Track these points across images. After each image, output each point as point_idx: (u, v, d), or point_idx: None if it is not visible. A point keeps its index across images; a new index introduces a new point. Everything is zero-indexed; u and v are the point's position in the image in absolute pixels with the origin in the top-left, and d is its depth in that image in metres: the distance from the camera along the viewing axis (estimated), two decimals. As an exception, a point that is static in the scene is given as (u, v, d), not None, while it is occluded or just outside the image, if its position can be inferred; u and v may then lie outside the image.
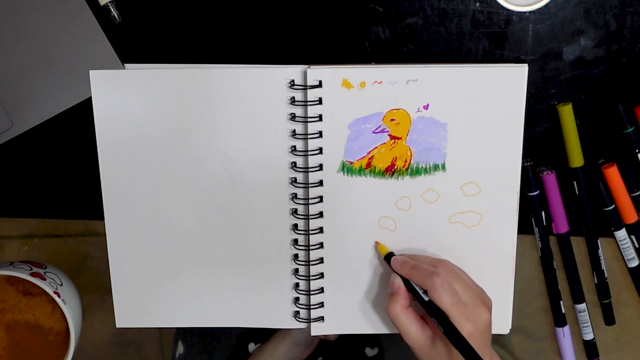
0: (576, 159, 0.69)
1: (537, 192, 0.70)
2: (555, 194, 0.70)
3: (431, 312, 0.61)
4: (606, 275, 0.72)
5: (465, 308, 0.61)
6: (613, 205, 0.70)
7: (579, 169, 0.69)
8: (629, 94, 0.68)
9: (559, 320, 0.73)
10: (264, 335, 0.76)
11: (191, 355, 0.77)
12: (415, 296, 0.63)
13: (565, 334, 0.74)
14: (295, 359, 0.75)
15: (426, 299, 0.62)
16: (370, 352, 0.77)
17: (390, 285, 0.65)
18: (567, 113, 0.68)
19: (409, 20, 0.67)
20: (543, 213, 0.70)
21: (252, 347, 0.77)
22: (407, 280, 0.64)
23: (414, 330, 0.63)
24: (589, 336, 0.74)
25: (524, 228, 0.70)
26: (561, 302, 0.73)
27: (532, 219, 0.71)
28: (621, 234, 0.71)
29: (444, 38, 0.67)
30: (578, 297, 0.73)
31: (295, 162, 0.68)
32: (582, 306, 0.73)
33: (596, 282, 0.73)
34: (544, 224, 0.71)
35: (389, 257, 0.67)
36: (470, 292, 0.63)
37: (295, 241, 0.70)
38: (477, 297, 0.63)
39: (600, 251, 0.72)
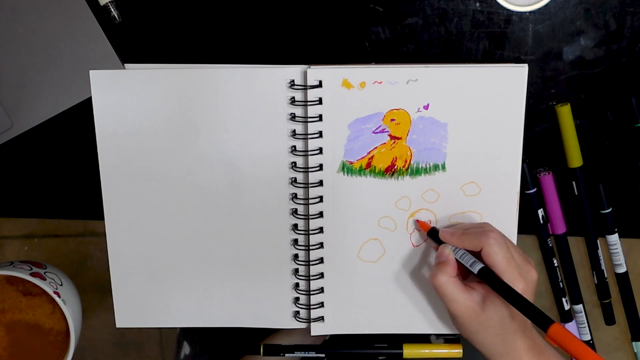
0: (575, 159, 0.69)
1: (535, 190, 0.70)
2: (553, 195, 0.70)
3: (484, 276, 0.61)
4: (606, 276, 0.73)
5: (517, 266, 0.62)
6: (610, 209, 0.70)
7: (577, 169, 0.69)
8: (629, 93, 0.68)
9: (564, 316, 0.73)
10: (267, 334, 0.75)
11: (198, 356, 0.77)
12: (465, 265, 0.63)
13: (571, 330, 0.74)
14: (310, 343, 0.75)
15: (477, 268, 0.62)
16: None
17: (439, 255, 0.64)
18: (565, 113, 0.68)
19: (409, 20, 0.67)
20: (541, 211, 0.70)
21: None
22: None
23: (462, 298, 0.62)
24: (586, 337, 0.74)
25: (524, 228, 0.70)
26: (564, 298, 0.73)
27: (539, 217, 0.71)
28: (612, 238, 0.71)
29: (444, 38, 0.67)
30: (576, 298, 0.73)
31: (295, 162, 0.68)
32: (579, 307, 0.73)
33: (596, 282, 0.73)
34: (542, 222, 0.71)
35: (433, 232, 0.67)
36: (518, 252, 0.64)
37: (295, 241, 0.70)
38: (524, 257, 0.64)
39: (599, 251, 0.72)
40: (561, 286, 0.73)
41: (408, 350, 0.71)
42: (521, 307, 0.59)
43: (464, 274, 0.66)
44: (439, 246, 0.66)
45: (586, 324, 0.74)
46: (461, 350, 0.71)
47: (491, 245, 0.61)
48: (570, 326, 0.74)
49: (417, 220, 0.69)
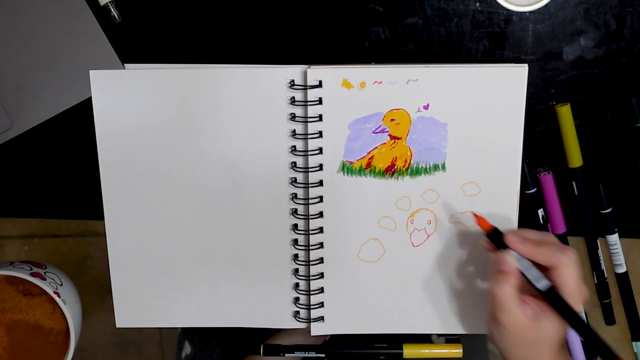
0: (575, 159, 0.69)
1: (535, 190, 0.70)
2: (553, 195, 0.70)
3: (549, 295, 0.59)
4: (606, 276, 0.73)
5: (583, 291, 0.61)
6: (610, 209, 0.70)
7: (578, 169, 0.69)
8: (629, 93, 0.68)
9: None
10: (268, 334, 0.75)
11: (199, 356, 0.77)
12: (529, 279, 0.61)
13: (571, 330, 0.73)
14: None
15: (543, 284, 0.60)
16: None
17: (501, 262, 0.61)
18: (565, 113, 0.68)
19: (409, 20, 0.67)
20: (541, 211, 0.70)
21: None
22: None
23: (516, 311, 0.60)
24: None
25: (524, 228, 0.70)
26: None
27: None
28: (613, 238, 0.71)
29: (444, 38, 0.67)
30: None
31: (295, 162, 0.68)
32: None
33: (596, 282, 0.73)
34: (542, 222, 0.71)
35: (495, 234, 0.63)
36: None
37: (295, 241, 0.70)
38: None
39: (599, 251, 0.72)
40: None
41: (408, 350, 0.71)
42: (585, 334, 0.57)
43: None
44: (496, 249, 0.63)
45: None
46: (461, 350, 0.71)
47: (569, 267, 0.59)
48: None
49: (475, 215, 0.65)
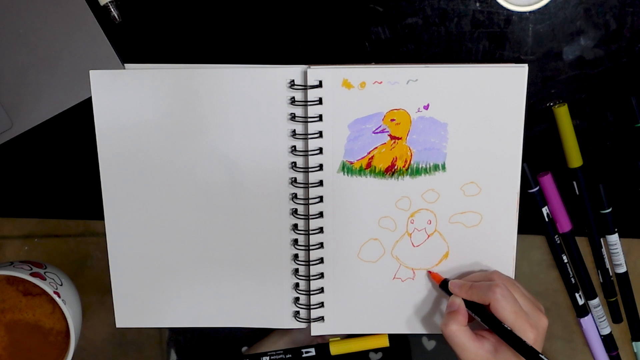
0: (574, 159, 0.69)
1: (537, 189, 0.70)
2: (554, 194, 0.70)
3: (494, 327, 0.62)
4: (611, 274, 0.73)
5: (527, 316, 0.62)
6: (610, 209, 0.70)
7: (578, 169, 0.69)
8: (629, 93, 0.68)
9: (580, 311, 0.73)
10: (257, 339, 0.76)
11: None
12: (476, 314, 0.64)
13: (588, 324, 0.73)
14: None
15: (487, 319, 0.63)
16: (374, 356, 0.77)
17: (449, 305, 0.65)
18: (562, 114, 0.68)
19: (409, 20, 0.67)
20: (545, 209, 0.70)
21: (245, 351, 0.76)
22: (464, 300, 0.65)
23: (473, 346, 0.63)
24: (606, 330, 0.74)
25: (524, 228, 0.70)
26: (577, 294, 0.73)
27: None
28: (612, 238, 0.71)
29: (444, 38, 0.68)
30: (589, 293, 0.73)
31: (295, 162, 0.68)
32: (596, 301, 0.73)
33: (601, 280, 0.73)
34: (547, 219, 0.71)
35: (445, 283, 0.68)
36: (528, 300, 0.64)
37: (295, 241, 0.70)
38: (534, 304, 0.64)
39: (603, 250, 0.72)
40: (573, 282, 0.72)
41: (335, 348, 0.71)
42: (527, 355, 0.60)
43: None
44: (448, 295, 0.67)
45: (605, 318, 0.73)
46: (387, 339, 0.71)
47: (498, 301, 0.62)
48: (587, 320, 0.73)
49: (430, 272, 0.70)
